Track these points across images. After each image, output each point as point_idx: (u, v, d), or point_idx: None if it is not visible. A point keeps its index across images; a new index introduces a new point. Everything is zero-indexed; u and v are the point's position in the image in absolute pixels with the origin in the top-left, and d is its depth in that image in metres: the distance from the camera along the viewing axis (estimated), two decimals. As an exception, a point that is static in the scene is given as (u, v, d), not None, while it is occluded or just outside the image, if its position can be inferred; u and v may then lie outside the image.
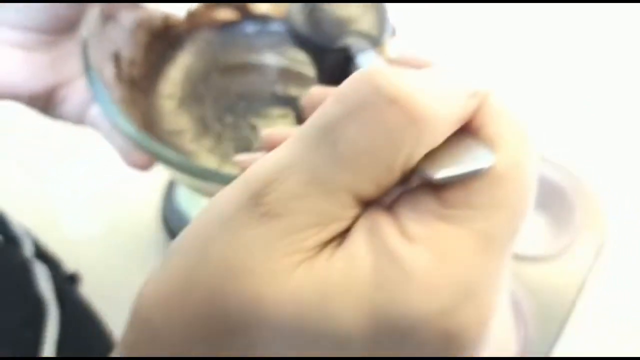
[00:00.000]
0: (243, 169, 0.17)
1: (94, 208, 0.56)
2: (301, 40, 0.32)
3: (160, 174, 0.54)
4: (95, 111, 0.35)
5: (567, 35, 0.68)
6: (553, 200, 0.49)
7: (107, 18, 0.35)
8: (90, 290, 0.48)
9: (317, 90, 0.23)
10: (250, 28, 0.44)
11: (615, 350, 0.44)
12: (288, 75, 0.43)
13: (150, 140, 0.32)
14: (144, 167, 0.35)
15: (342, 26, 0.31)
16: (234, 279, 0.15)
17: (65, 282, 0.40)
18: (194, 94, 0.41)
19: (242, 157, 0.23)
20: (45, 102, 0.34)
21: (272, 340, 0.14)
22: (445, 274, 0.14)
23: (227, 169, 0.37)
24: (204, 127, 0.40)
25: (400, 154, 0.14)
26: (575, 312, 0.43)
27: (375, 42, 0.30)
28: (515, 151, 0.15)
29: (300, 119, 0.40)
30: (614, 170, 0.55)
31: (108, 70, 0.35)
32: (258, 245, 0.14)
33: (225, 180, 0.30)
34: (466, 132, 0.16)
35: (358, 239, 0.15)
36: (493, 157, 0.15)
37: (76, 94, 0.35)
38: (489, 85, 0.17)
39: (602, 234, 0.47)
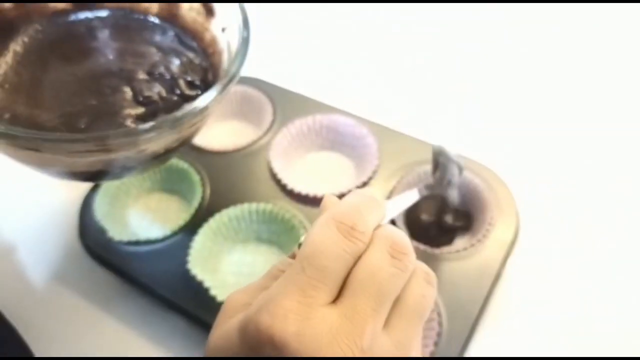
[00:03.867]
0: None
1: (11, 221, 0.55)
2: None
3: (79, 190, 0.53)
4: None
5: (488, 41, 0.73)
6: (467, 196, 0.51)
7: None
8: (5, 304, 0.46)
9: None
10: (82, 15, 0.46)
11: (530, 346, 0.46)
12: (126, 54, 0.44)
13: None
14: None
15: None
16: None
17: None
18: (31, 81, 0.41)
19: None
20: None
21: None
22: None
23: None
24: (38, 112, 0.39)
25: None
26: (489, 308, 0.45)
27: None
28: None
29: (135, 93, 0.42)
30: (525, 165, 0.57)
31: None
32: None
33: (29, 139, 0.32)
34: None
35: None
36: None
37: None
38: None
39: (514, 229, 0.48)
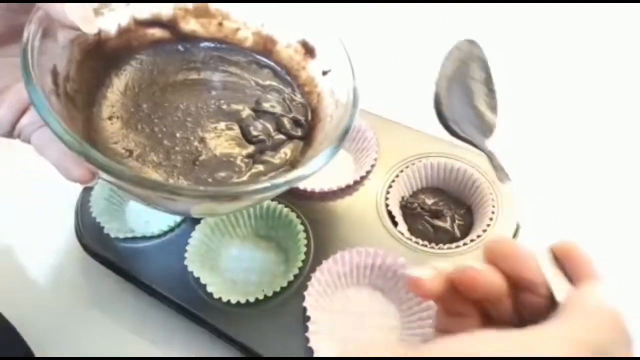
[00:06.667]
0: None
1: (7, 219, 0.55)
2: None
3: (75, 187, 0.53)
4: (26, 124, 0.35)
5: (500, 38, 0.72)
6: (467, 191, 0.50)
7: (45, 33, 0.34)
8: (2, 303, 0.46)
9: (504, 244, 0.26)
10: (181, 46, 0.46)
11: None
12: (228, 89, 0.44)
13: (93, 150, 0.31)
14: (85, 180, 0.34)
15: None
16: None
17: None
18: (139, 113, 0.41)
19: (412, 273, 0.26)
20: None
21: None
22: None
23: (173, 182, 0.38)
24: (152, 145, 0.40)
25: None
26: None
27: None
28: None
29: (244, 131, 0.42)
30: (527, 159, 0.56)
31: (47, 85, 0.34)
32: None
33: (166, 189, 0.32)
34: None
35: None
36: None
37: (6, 105, 0.35)
38: None
39: (515, 225, 0.47)
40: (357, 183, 0.51)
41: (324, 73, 0.44)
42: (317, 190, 0.50)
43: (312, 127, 0.44)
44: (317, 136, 0.42)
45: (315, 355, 0.41)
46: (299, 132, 0.43)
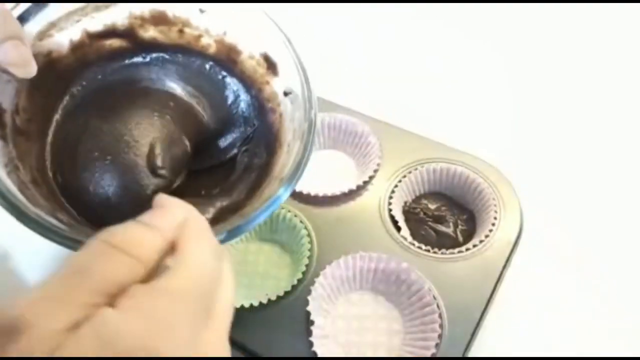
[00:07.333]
0: None
1: (11, 221, 0.54)
2: None
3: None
4: None
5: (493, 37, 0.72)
6: (470, 195, 0.50)
7: None
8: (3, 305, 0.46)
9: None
10: (141, 57, 0.43)
11: (534, 348, 0.46)
12: (181, 108, 0.42)
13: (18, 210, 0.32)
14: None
15: None
16: None
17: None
18: (91, 133, 0.38)
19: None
20: None
21: None
22: None
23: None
24: (86, 176, 0.37)
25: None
26: (492, 309, 0.44)
27: None
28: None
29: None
30: (529, 163, 0.56)
31: None
32: None
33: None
34: None
35: None
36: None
37: None
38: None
39: (518, 229, 0.47)
40: (360, 188, 0.52)
41: (286, 94, 0.40)
42: (320, 195, 0.51)
43: (272, 154, 0.40)
44: (274, 167, 0.39)
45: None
46: (259, 160, 0.41)
